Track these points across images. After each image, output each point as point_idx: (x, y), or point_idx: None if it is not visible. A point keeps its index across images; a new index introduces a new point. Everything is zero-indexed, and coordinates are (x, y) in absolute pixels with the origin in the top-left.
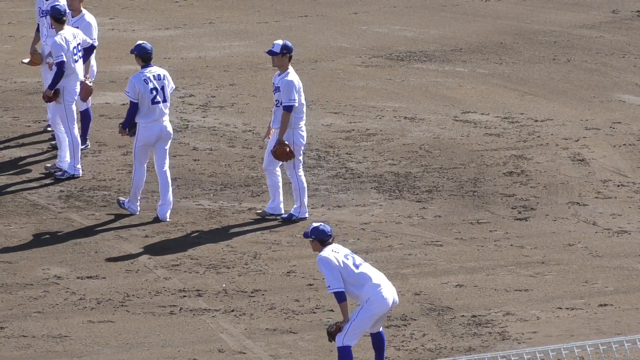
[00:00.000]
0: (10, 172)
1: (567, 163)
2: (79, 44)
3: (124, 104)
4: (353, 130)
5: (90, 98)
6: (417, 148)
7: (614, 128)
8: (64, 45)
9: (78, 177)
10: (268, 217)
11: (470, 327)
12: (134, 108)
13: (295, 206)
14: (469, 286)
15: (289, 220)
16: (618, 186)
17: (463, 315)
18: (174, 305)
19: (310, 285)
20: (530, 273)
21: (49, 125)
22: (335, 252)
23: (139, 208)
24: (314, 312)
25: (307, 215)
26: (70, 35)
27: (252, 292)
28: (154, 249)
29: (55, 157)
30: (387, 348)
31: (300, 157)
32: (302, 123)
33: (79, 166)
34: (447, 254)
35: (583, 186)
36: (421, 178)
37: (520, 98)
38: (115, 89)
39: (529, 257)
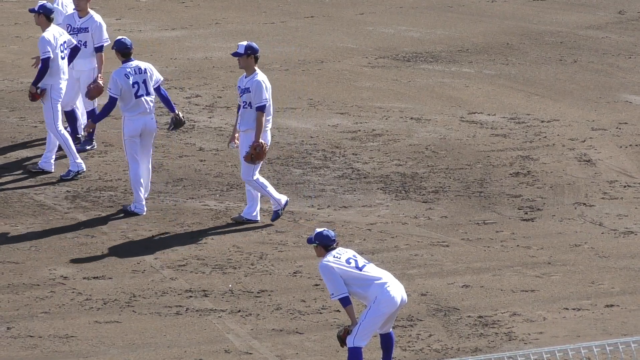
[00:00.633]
0: (17, 172)
1: (574, 164)
2: (65, 42)
3: None
4: (359, 130)
5: (96, 98)
6: (424, 149)
7: (620, 129)
8: (52, 42)
9: (83, 171)
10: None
11: (476, 327)
12: (111, 103)
13: (247, 207)
14: (476, 287)
15: (240, 220)
16: (624, 187)
17: (469, 316)
18: (180, 306)
19: (317, 285)
20: (537, 274)
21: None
22: (336, 258)
23: (145, 208)
24: (321, 313)
25: (258, 218)
26: (57, 34)
27: (258, 293)
28: (160, 250)
29: (60, 157)
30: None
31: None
32: (269, 125)
33: (79, 160)
34: (454, 255)
35: (589, 187)
36: (427, 179)
37: (527, 99)
38: None
39: (536, 257)
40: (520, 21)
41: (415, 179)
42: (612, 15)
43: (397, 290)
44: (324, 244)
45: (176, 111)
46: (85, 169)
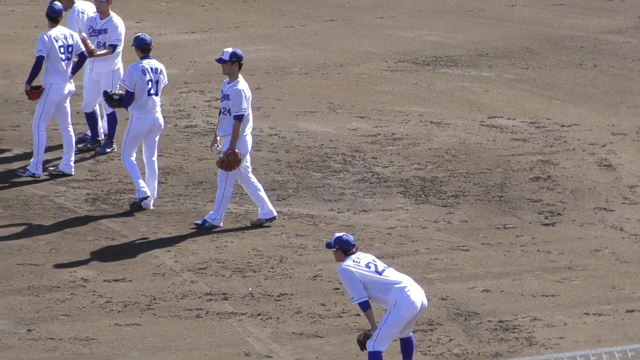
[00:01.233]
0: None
1: (594, 168)
2: (70, 45)
3: None
4: (379, 134)
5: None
6: (443, 153)
7: None
8: (47, 42)
9: (39, 177)
10: (268, 224)
11: (497, 332)
12: (130, 96)
13: (211, 212)
14: (496, 291)
15: (201, 226)
16: None
17: (490, 321)
18: (201, 309)
19: (337, 289)
20: (557, 278)
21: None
22: (356, 262)
23: (147, 192)
24: (341, 317)
25: (221, 224)
26: (59, 34)
27: (278, 296)
28: (180, 252)
29: (81, 160)
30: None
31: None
32: (248, 131)
33: (40, 165)
34: (474, 259)
35: (610, 192)
36: (447, 183)
37: (547, 103)
38: None
39: (556, 262)
40: (540, 25)
41: (435, 183)
42: (632, 19)
43: (417, 295)
44: (344, 248)
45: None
46: (41, 176)
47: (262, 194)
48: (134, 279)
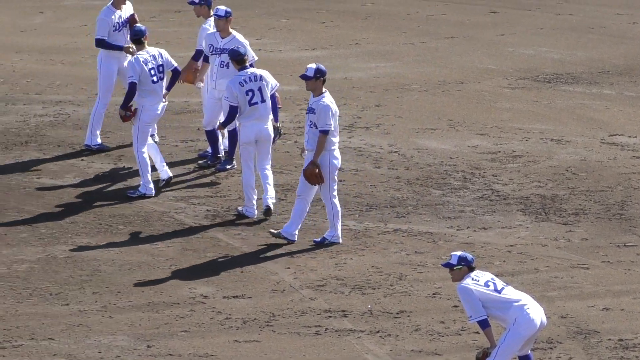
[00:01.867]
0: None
1: None
2: (160, 64)
3: None
4: (499, 152)
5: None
6: (564, 170)
7: None
8: (136, 66)
9: (151, 196)
10: (324, 242)
11: (617, 350)
12: (233, 111)
13: (329, 230)
14: (616, 309)
15: (321, 243)
16: None
17: (610, 339)
18: (319, 326)
19: (456, 307)
20: None
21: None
22: (475, 281)
23: (255, 211)
24: (460, 334)
25: (340, 240)
26: (148, 56)
27: (397, 314)
28: (299, 269)
29: (202, 176)
30: None
31: (335, 181)
32: (336, 146)
33: (151, 186)
34: (594, 277)
35: None
36: (568, 200)
37: None
38: None
39: None
40: None
41: (555, 200)
42: None
43: (536, 313)
44: (469, 265)
45: (277, 123)
46: (153, 194)
47: (303, 216)
48: (253, 295)
